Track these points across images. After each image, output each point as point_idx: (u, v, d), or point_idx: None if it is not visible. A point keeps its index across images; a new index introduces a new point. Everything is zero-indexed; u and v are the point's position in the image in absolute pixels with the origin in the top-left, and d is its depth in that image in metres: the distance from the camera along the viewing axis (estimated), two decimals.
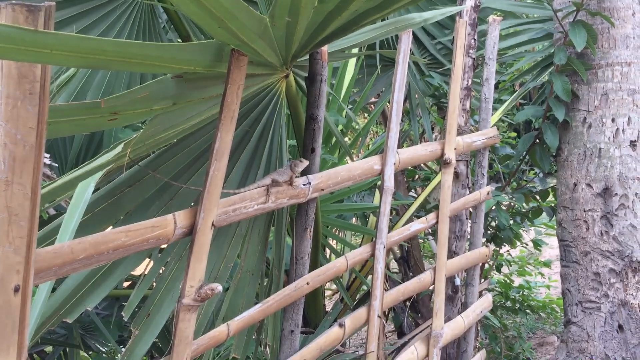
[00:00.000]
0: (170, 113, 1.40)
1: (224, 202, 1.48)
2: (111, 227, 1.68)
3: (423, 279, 2.59)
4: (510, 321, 6.46)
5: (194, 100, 1.46)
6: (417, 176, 4.90)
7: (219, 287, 1.40)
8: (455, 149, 2.58)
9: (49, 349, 3.58)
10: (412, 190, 5.12)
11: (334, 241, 4.25)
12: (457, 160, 2.82)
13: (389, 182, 2.19)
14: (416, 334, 3.88)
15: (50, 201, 1.58)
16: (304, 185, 1.78)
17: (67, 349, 3.35)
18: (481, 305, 3.11)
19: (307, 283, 1.90)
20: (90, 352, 3.40)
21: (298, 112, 2.20)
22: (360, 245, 4.32)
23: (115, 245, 1.19)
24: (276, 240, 2.04)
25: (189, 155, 1.78)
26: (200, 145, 1.78)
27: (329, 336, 2.05)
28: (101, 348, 3.36)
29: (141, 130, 1.42)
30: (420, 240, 4.96)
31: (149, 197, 1.72)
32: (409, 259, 4.63)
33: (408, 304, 4.46)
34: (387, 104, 5.20)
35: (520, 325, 6.46)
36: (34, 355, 3.66)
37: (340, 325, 2.09)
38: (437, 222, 2.62)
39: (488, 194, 3.05)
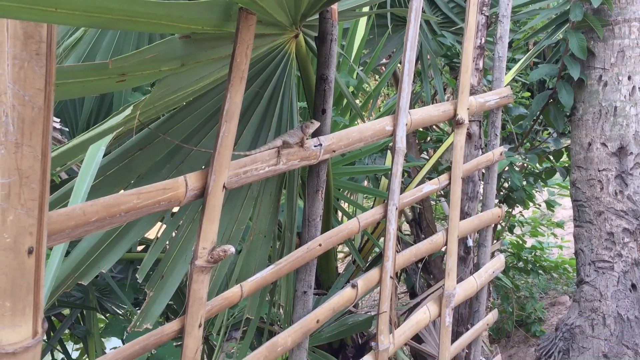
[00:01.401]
0: (179, 74, 1.38)
1: (234, 164, 1.47)
2: (122, 190, 1.68)
3: (435, 240, 2.59)
4: (522, 282, 6.49)
5: (203, 61, 1.44)
6: (429, 138, 4.87)
7: (232, 249, 1.40)
8: (467, 109, 2.54)
9: (66, 311, 3.65)
10: (424, 153, 5.11)
11: (346, 204, 4.26)
12: (469, 121, 2.79)
13: (401, 143, 2.16)
14: (428, 295, 3.93)
15: (62, 165, 1.59)
16: (315, 146, 1.76)
17: (84, 312, 3.41)
18: (493, 265, 3.11)
19: (320, 245, 1.90)
20: (108, 315, 3.47)
21: (308, 73, 2.17)
22: (372, 208, 4.33)
23: (127, 208, 1.19)
24: (288, 202, 2.04)
25: (200, 118, 1.76)
26: (210, 108, 1.77)
27: (342, 297, 2.06)
28: (117, 310, 3.42)
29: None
30: (432, 202, 4.96)
31: (159, 160, 1.71)
32: (421, 221, 4.64)
33: (420, 265, 4.48)
34: (399, 65, 5.14)
35: (532, 285, 6.49)
36: (52, 317, 3.73)
37: (353, 286, 2.10)
38: (449, 183, 2.60)
39: (501, 154, 3.02)
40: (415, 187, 4.10)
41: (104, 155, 1.64)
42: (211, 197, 1.37)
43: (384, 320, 2.23)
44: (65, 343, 4.20)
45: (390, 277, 2.27)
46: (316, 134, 1.83)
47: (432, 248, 2.60)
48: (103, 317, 3.62)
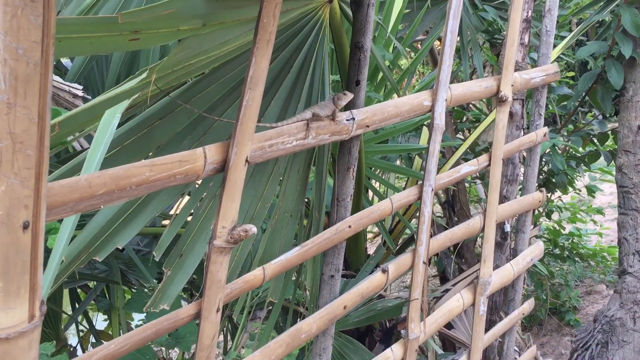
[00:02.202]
0: (200, 36, 1.26)
1: (259, 137, 1.34)
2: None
3: (472, 224, 2.44)
4: (557, 268, 6.29)
5: (228, 23, 1.31)
6: (465, 117, 4.68)
7: (254, 229, 1.28)
8: (512, 85, 2.38)
9: (92, 283, 3.61)
10: (460, 133, 4.93)
11: (377, 184, 4.12)
12: (512, 99, 2.62)
13: (440, 119, 2.02)
14: (460, 280, 3.78)
15: (75, 132, 1.48)
16: (347, 120, 1.63)
17: (109, 284, 3.36)
18: (531, 253, 2.95)
19: (349, 226, 1.78)
20: (135, 289, 3.41)
21: (342, 43, 2.03)
22: (404, 188, 4.18)
23: (139, 181, 1.07)
24: (317, 180, 1.91)
25: (224, 87, 1.64)
26: (236, 76, 1.64)
27: (371, 282, 1.94)
28: (143, 284, 3.35)
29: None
30: (467, 185, 4.79)
31: (181, 131, 1.60)
32: (455, 203, 4.48)
33: (452, 249, 4.35)
34: (437, 41, 4.94)
35: (567, 272, 6.29)
36: (77, 289, 3.70)
37: (384, 271, 1.97)
38: (488, 165, 2.45)
39: (544, 135, 2.84)
40: (450, 168, 3.95)
41: (122, 124, 1.53)
42: (232, 172, 1.25)
43: (415, 307, 2.11)
44: (95, 314, 4.19)
45: (423, 262, 2.14)
46: (349, 107, 1.70)
47: (468, 233, 2.46)
48: (130, 290, 3.57)
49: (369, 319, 2.40)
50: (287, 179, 1.79)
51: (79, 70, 2.40)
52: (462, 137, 4.89)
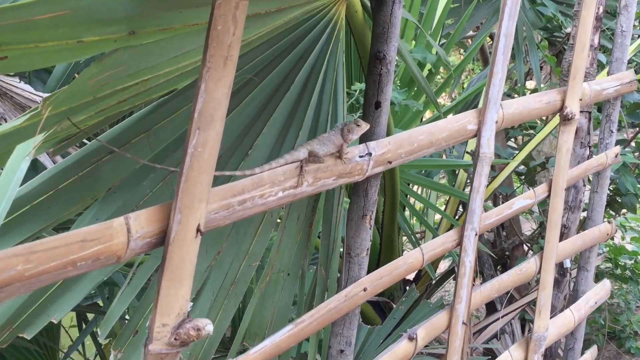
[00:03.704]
0: (132, 49, 0.85)
1: (223, 191, 0.94)
2: (85, 209, 1.20)
3: (525, 269, 2.00)
4: (616, 287, 5.73)
5: (179, 29, 0.91)
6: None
7: (209, 326, 0.88)
8: (580, 99, 1.91)
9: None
10: (512, 140, 4.44)
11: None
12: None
13: (488, 147, 1.57)
14: (507, 314, 3.34)
15: None
16: (360, 157, 1.21)
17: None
18: (596, 295, 2.48)
19: (364, 289, 1.36)
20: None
21: (366, 48, 1.61)
22: (445, 206, 3.71)
23: (6, 279, 0.69)
24: (324, 224, 1.48)
25: None
26: None
27: (395, 354, 1.52)
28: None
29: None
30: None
31: (139, 168, 1.21)
32: None
33: (501, 268, 3.91)
34: (488, 38, 4.45)
35: (627, 292, 5.73)
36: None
37: (411, 339, 1.55)
38: (548, 196, 1.99)
39: (616, 156, 2.35)
40: (500, 184, 3.47)
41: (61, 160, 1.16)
42: (176, 248, 0.85)
43: None
44: None
45: (464, 322, 1.71)
46: (365, 137, 1.28)
47: (520, 279, 2.01)
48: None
49: None
50: (283, 228, 1.38)
51: (61, 78, 2.04)
52: (515, 145, 4.40)
